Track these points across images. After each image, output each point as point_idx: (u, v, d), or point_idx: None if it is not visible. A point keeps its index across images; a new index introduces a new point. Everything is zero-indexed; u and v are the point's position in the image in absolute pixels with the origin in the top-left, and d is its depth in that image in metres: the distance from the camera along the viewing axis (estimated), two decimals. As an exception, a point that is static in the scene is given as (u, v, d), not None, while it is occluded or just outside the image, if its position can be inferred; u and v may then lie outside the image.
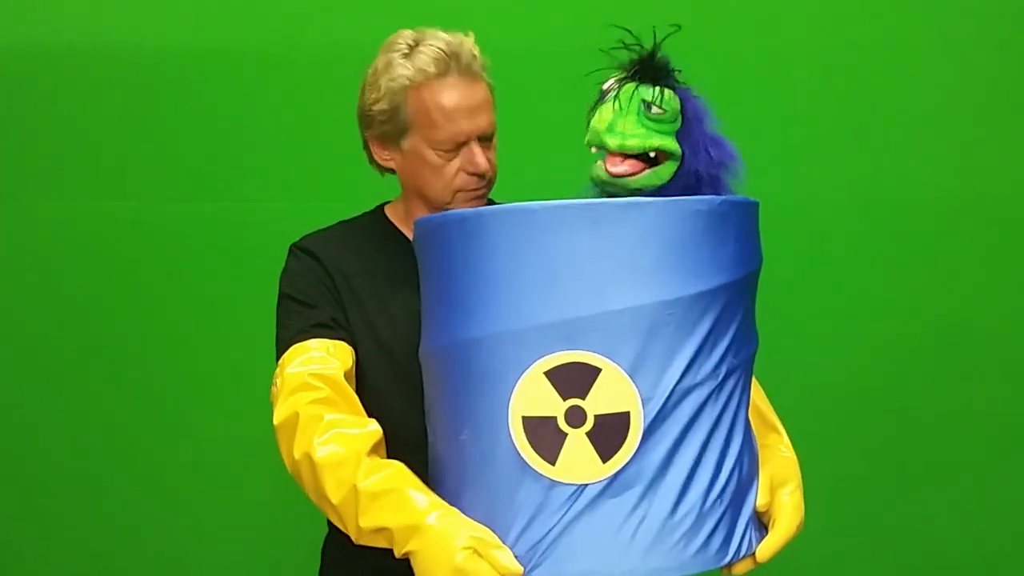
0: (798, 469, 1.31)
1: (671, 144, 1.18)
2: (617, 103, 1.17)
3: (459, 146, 1.38)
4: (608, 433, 1.09)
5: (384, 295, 1.41)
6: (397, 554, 1.16)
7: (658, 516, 1.11)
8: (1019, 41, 2.18)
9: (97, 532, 2.13)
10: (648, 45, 1.20)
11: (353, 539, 1.20)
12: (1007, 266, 2.21)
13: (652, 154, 1.18)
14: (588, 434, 1.09)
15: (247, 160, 2.11)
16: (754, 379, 1.42)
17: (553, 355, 1.09)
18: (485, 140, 1.41)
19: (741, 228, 1.17)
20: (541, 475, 1.11)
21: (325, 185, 2.01)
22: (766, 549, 1.20)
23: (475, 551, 1.10)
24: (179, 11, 2.08)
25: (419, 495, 1.16)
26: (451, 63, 1.36)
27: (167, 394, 2.12)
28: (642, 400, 1.09)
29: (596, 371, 1.09)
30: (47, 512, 2.12)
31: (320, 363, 1.30)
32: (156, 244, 2.10)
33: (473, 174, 1.39)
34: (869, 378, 2.21)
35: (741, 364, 1.18)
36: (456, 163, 1.39)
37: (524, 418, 1.11)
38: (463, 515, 1.15)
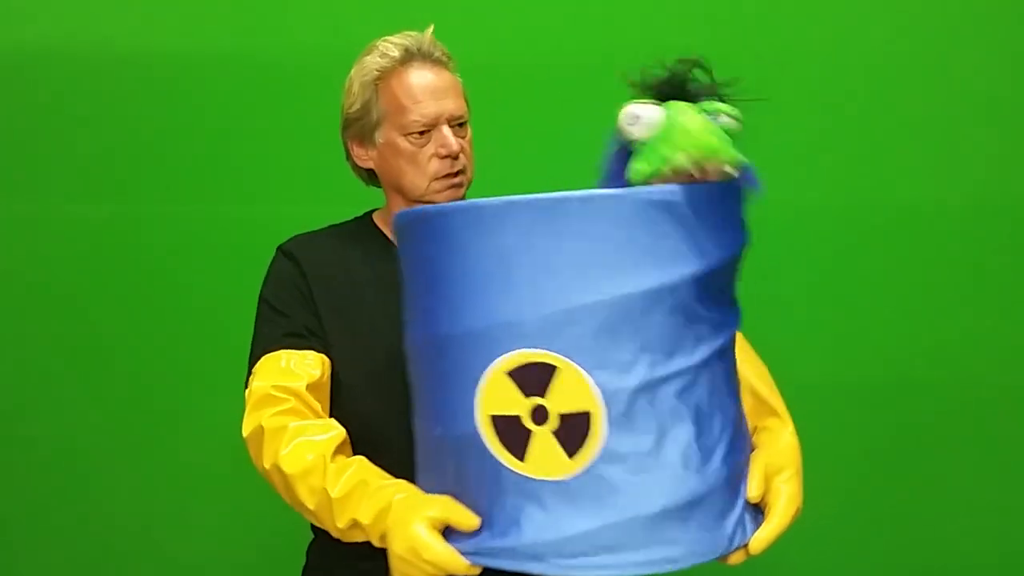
0: (797, 454, 1.25)
1: None
2: (703, 113, 1.10)
3: (429, 130, 1.40)
4: (572, 431, 1.08)
5: (366, 298, 1.43)
6: (376, 543, 1.19)
7: (643, 510, 1.08)
8: (1019, 42, 2.09)
9: (92, 531, 2.17)
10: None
11: (336, 538, 1.24)
12: (1008, 268, 2.14)
13: None
14: (554, 432, 1.08)
15: (243, 163, 2.13)
16: (758, 361, 1.38)
17: (512, 354, 1.08)
18: (456, 126, 1.42)
19: (709, 218, 1.10)
20: (512, 471, 1.10)
21: (322, 188, 2.00)
22: (759, 541, 1.14)
23: (432, 521, 1.12)
24: (171, 14, 2.09)
25: (383, 482, 1.21)
26: (414, 51, 1.42)
27: (164, 395, 2.15)
28: (604, 397, 1.07)
29: (553, 370, 1.07)
30: (43, 512, 2.16)
31: (285, 376, 1.33)
32: (153, 247, 2.13)
33: (446, 156, 1.40)
34: (870, 377, 2.16)
35: (717, 351, 1.13)
36: (429, 149, 1.41)
37: (492, 416, 1.10)
38: (424, 493, 1.18)
